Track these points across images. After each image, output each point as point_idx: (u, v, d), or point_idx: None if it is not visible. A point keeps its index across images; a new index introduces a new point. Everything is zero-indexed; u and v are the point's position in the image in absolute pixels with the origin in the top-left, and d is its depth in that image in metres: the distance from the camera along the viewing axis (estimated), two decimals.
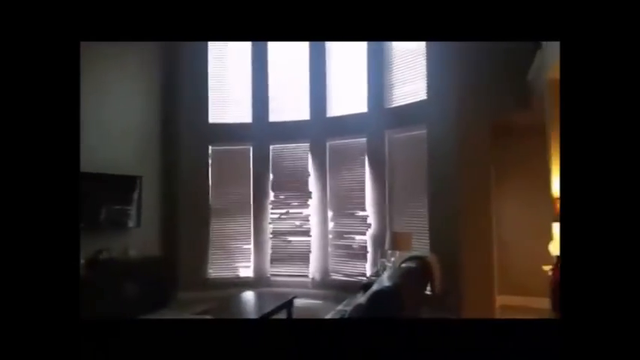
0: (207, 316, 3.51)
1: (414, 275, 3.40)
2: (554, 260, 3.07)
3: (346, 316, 3.04)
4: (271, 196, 5.81)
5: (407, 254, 4.10)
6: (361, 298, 3.17)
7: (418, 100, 4.88)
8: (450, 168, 4.50)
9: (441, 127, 4.61)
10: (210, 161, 5.79)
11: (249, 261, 5.77)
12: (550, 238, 3.41)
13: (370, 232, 5.29)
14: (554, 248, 3.14)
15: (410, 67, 5.04)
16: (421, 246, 4.72)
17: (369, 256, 5.28)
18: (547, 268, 3.10)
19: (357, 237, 5.40)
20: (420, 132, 4.84)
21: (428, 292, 3.79)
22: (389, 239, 4.62)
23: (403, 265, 3.80)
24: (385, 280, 3.26)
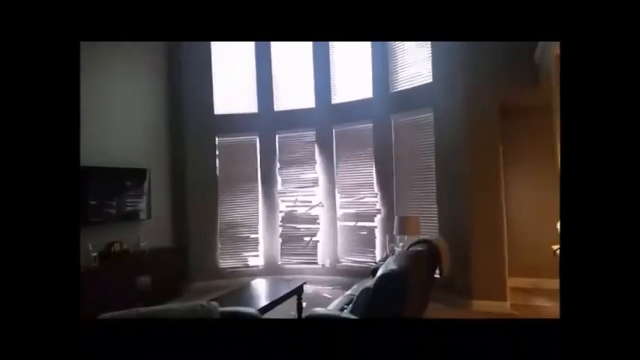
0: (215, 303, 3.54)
1: (421, 258, 3.37)
2: None
3: (354, 300, 3.05)
4: (279, 184, 5.82)
5: (415, 238, 4.08)
6: (368, 282, 3.17)
7: (424, 82, 4.81)
8: (457, 150, 4.44)
9: (448, 109, 4.54)
10: (217, 152, 5.82)
11: (257, 250, 5.82)
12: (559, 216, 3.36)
13: (379, 217, 5.27)
14: None
15: (414, 50, 4.96)
16: (430, 230, 4.70)
17: (378, 241, 5.28)
18: (556, 247, 3.05)
19: (366, 223, 5.39)
20: (427, 115, 4.78)
21: (437, 276, 3.77)
22: (397, 224, 4.60)
23: (410, 248, 3.78)
24: (391, 264, 3.24)
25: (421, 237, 3.92)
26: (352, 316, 2.78)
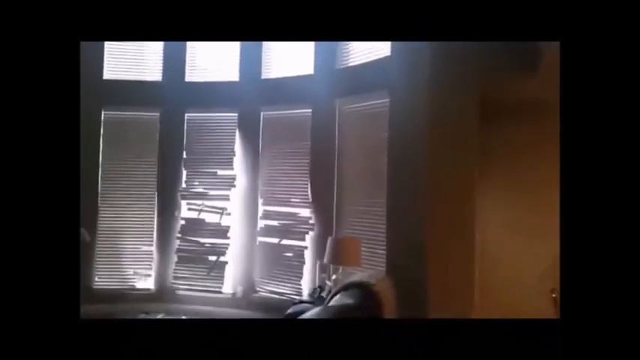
0: None
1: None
2: None
3: None
4: (183, 181, 4.43)
5: (349, 278, 2.83)
6: None
7: (380, 57, 3.60)
8: (418, 152, 3.25)
9: (409, 95, 3.35)
10: (101, 130, 4.40)
11: (150, 268, 4.38)
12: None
13: (312, 234, 4.00)
14: None
15: None
16: (375, 259, 3.49)
17: (308, 267, 4.00)
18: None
19: (295, 241, 4.10)
20: (381, 101, 3.58)
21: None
22: (329, 248, 3.33)
23: (338, 297, 2.52)
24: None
25: (355, 278, 2.66)
26: None
